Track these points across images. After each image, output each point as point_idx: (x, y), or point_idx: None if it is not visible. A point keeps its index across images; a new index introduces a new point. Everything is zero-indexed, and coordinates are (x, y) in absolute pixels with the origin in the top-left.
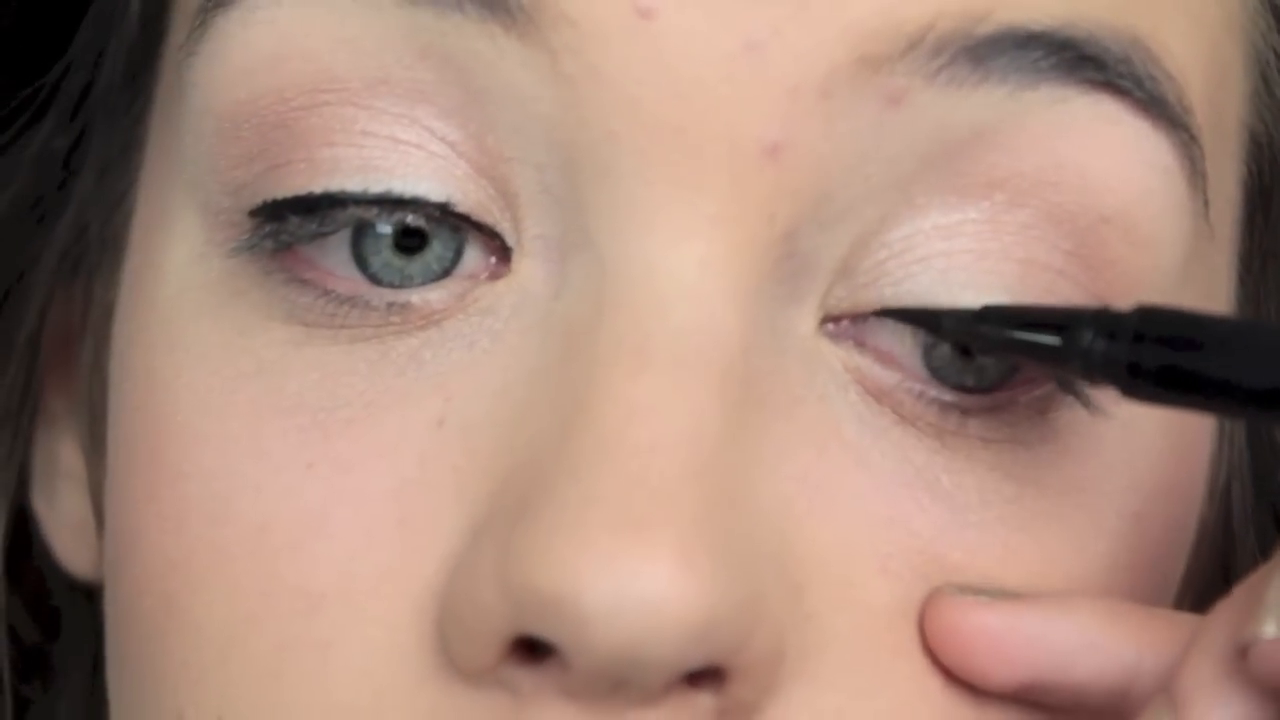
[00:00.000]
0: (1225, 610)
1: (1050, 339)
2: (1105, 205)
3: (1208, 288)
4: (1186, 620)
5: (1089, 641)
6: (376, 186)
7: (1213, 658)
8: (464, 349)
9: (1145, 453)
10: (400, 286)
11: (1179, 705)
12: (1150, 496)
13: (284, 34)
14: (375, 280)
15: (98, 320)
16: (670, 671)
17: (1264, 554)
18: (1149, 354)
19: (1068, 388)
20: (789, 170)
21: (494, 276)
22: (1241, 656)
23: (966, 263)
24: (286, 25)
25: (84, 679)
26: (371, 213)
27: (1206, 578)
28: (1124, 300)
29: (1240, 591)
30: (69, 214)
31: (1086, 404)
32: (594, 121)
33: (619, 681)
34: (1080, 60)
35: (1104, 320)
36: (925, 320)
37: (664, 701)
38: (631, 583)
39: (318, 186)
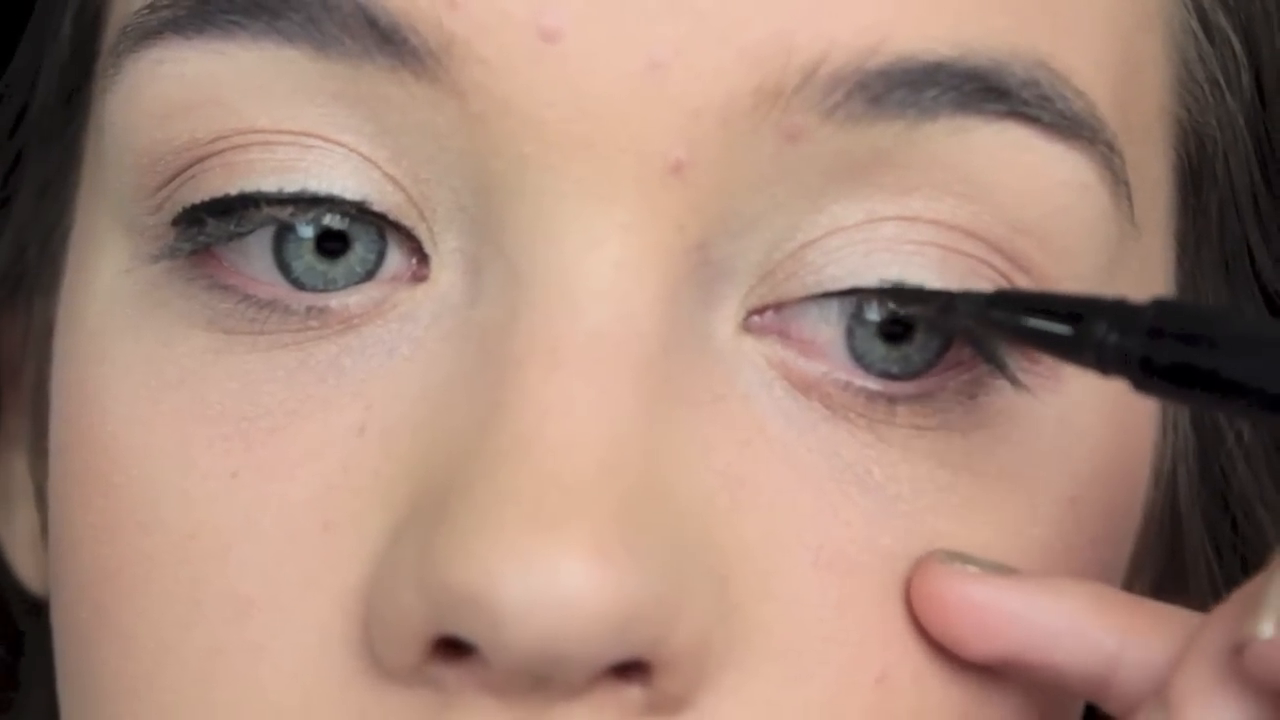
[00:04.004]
0: (1223, 613)
1: (1063, 328)
2: (1019, 220)
3: (1139, 278)
4: (1175, 614)
5: (1072, 626)
6: (291, 186)
7: (1209, 660)
8: (384, 356)
9: (1082, 438)
10: (324, 290)
11: (1173, 707)
12: (1087, 482)
13: (194, 84)
14: (299, 285)
15: (39, 338)
16: (590, 667)
17: (1212, 539)
18: (1164, 349)
19: (997, 365)
20: (694, 187)
21: (416, 278)
22: (1237, 656)
23: (888, 245)
24: (195, 76)
25: (48, 696)
26: (287, 212)
27: (1157, 563)
28: None
29: (1239, 595)
30: (8, 235)
31: (1014, 382)
32: (505, 149)
33: (540, 677)
34: (982, 93)
35: (1120, 312)
36: (937, 300)
37: (589, 695)
38: (545, 580)
39: (233, 188)
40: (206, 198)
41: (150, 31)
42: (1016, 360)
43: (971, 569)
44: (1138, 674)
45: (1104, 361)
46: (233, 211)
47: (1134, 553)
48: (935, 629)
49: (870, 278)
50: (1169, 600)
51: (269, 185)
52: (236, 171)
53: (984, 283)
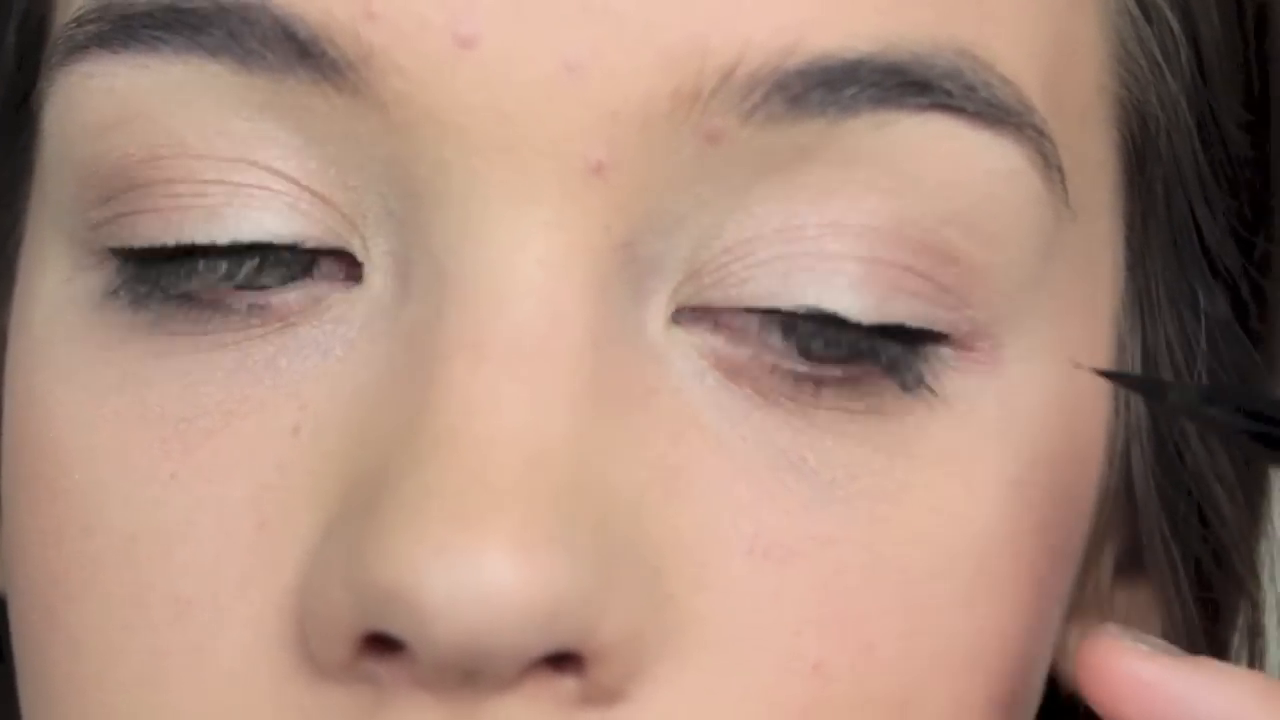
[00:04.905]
0: None
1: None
2: (944, 210)
3: (1083, 260)
4: None
5: (1231, 713)
6: (223, 236)
7: None
8: (318, 357)
9: (1025, 420)
10: (261, 289)
11: None
12: (1031, 464)
13: (123, 98)
14: (235, 285)
15: None
16: (518, 659)
17: (1169, 516)
18: None
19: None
20: (616, 187)
21: (349, 279)
22: None
23: (808, 264)
24: (125, 91)
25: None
26: (221, 271)
27: (1117, 542)
28: (974, 290)
29: None
30: None
31: (904, 388)
32: (427, 155)
33: (469, 671)
34: (902, 87)
35: None
36: (1150, 390)
37: (522, 687)
38: (468, 575)
39: (169, 238)
40: (143, 244)
41: (78, 45)
42: (941, 357)
43: (1143, 648)
44: None
45: None
46: (166, 268)
47: (1092, 534)
48: (1099, 702)
49: (787, 300)
50: (1129, 581)
51: (201, 236)
52: (170, 220)
53: (905, 295)
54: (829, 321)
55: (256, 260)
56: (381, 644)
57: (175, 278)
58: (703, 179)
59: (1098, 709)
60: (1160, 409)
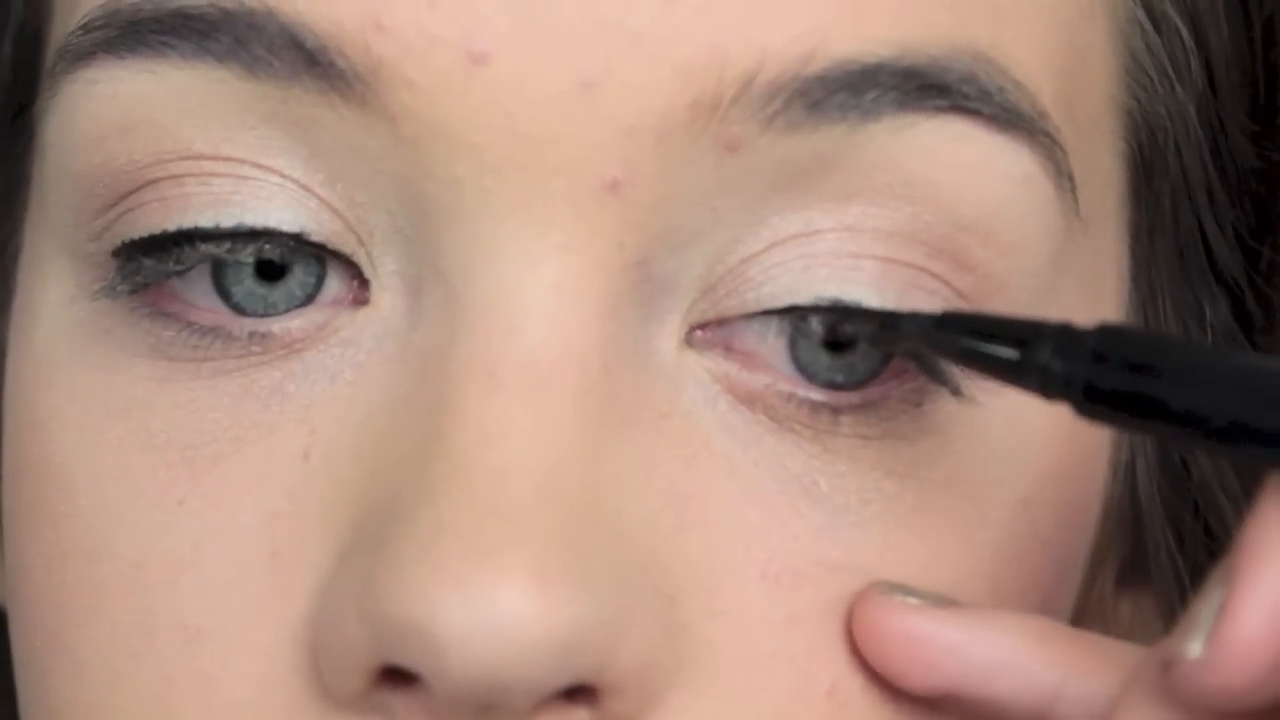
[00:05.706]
0: (1163, 644)
1: (1008, 352)
2: (961, 216)
3: (1090, 271)
4: (1116, 648)
5: (1011, 660)
6: (228, 220)
7: (1151, 691)
8: (326, 381)
9: (1032, 439)
10: (264, 315)
11: None
12: (1038, 481)
13: (128, 105)
14: (239, 310)
15: None
16: (534, 693)
17: (1174, 527)
18: (1107, 376)
19: (938, 377)
20: (632, 204)
21: (357, 302)
22: (1166, 674)
23: (826, 260)
24: (130, 97)
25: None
26: (225, 248)
27: (1120, 553)
28: (991, 298)
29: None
30: None
31: (956, 392)
32: (438, 172)
33: (484, 705)
34: (921, 90)
35: (1064, 337)
36: (883, 321)
37: (536, 719)
38: (485, 609)
39: (171, 224)
40: (144, 234)
41: (84, 52)
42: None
43: (912, 601)
44: (1078, 709)
45: (1048, 387)
46: (170, 249)
47: (1095, 544)
48: (875, 662)
49: (807, 295)
50: (1133, 589)
51: (205, 220)
52: (173, 206)
53: (923, 294)
54: (850, 313)
55: (260, 244)
56: (396, 675)
57: (176, 261)
58: (720, 192)
59: (878, 671)
60: (897, 338)
